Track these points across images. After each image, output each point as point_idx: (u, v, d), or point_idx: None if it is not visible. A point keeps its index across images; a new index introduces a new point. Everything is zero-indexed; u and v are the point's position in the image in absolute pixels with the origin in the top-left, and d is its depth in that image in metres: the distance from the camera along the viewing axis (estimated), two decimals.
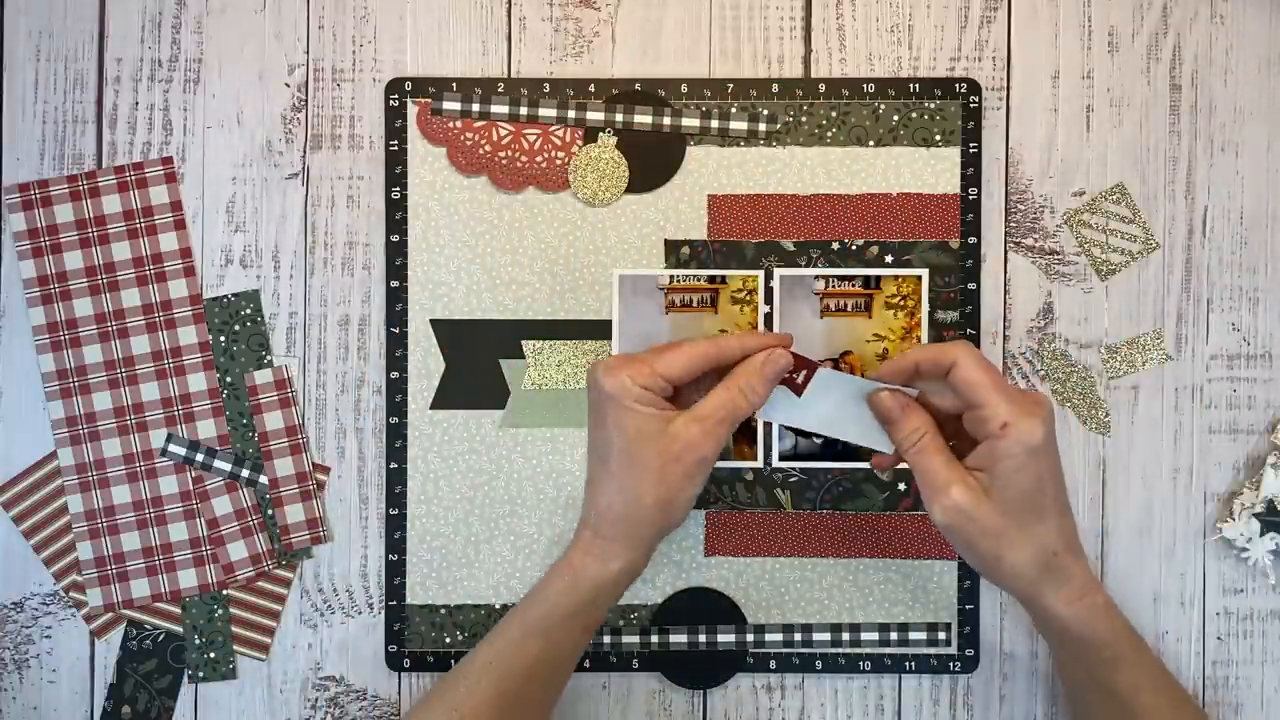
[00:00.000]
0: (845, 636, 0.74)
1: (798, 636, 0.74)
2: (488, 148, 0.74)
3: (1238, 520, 0.73)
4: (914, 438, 0.62)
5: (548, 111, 0.74)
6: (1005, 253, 0.74)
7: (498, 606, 0.74)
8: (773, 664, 0.74)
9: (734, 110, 0.74)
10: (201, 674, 0.74)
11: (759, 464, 0.74)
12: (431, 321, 0.74)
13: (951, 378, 0.61)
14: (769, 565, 0.74)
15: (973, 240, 0.74)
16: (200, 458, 0.73)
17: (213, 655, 0.74)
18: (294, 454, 0.74)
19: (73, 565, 0.74)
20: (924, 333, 0.74)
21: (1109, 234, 0.74)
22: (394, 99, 0.74)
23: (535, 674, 0.64)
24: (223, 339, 0.74)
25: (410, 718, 0.66)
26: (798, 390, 0.64)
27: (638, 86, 0.74)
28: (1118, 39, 0.74)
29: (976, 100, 0.74)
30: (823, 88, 0.74)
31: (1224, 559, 0.74)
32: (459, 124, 0.74)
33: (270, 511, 0.74)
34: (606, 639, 0.74)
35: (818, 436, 0.73)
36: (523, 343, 0.74)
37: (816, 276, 0.74)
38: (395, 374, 0.74)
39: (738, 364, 0.64)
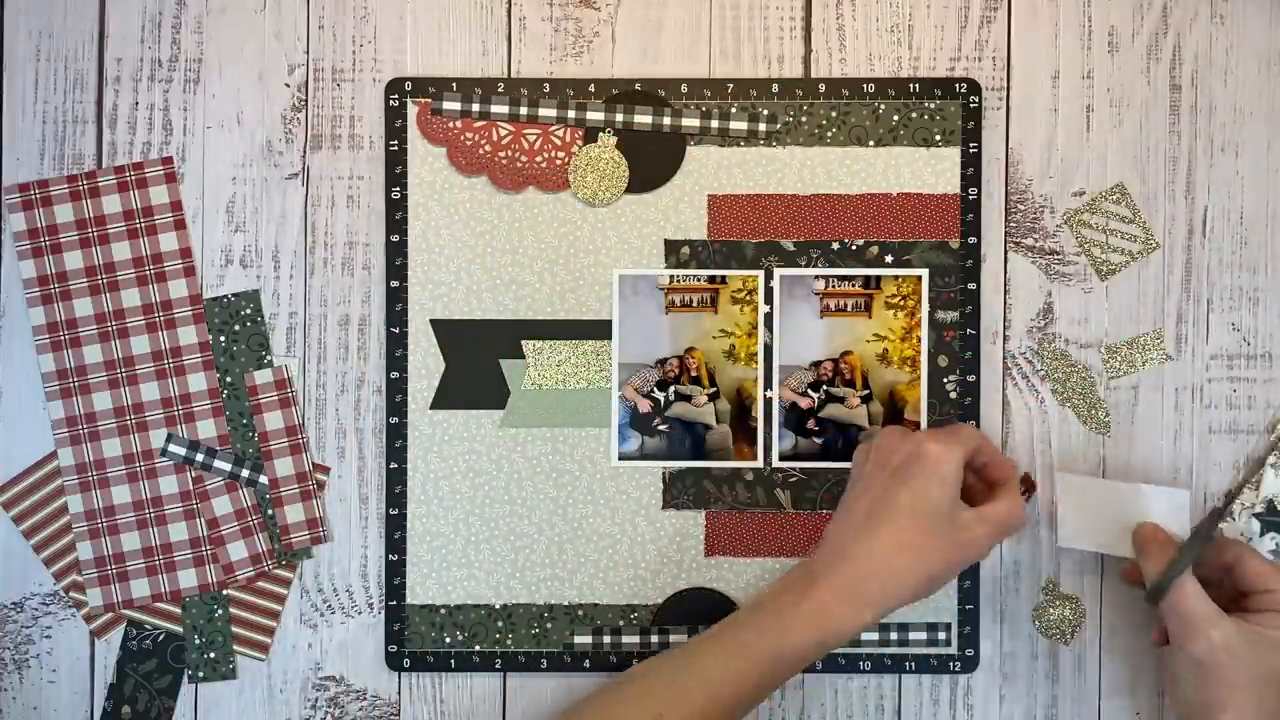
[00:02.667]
0: None
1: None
2: (488, 148, 0.74)
3: (1238, 520, 0.73)
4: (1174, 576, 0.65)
5: (548, 111, 0.74)
6: (1005, 253, 0.74)
7: (498, 606, 0.74)
8: None
9: (734, 110, 0.74)
10: (201, 674, 0.74)
11: (759, 464, 0.74)
12: (431, 321, 0.74)
13: (1237, 573, 0.66)
14: (769, 565, 0.74)
15: (973, 240, 0.74)
16: (200, 458, 0.73)
17: (213, 655, 0.74)
18: (294, 454, 0.74)
19: (73, 565, 0.74)
20: (924, 332, 0.74)
21: (1109, 234, 0.74)
22: (394, 99, 0.74)
23: (747, 699, 0.64)
24: (223, 339, 0.74)
25: (599, 704, 0.65)
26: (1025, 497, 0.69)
27: (638, 86, 0.74)
28: (1118, 39, 0.74)
29: (976, 100, 0.74)
30: (823, 88, 0.74)
31: None
32: (459, 124, 0.74)
33: (270, 511, 0.74)
34: (607, 639, 0.74)
35: (817, 436, 0.74)
36: (523, 343, 0.74)
37: (816, 276, 0.74)
38: (395, 374, 0.74)
39: (983, 476, 0.68)
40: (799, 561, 0.68)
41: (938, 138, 0.74)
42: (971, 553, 0.64)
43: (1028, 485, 0.70)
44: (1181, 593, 0.64)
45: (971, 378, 0.74)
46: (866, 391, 0.74)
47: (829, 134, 0.74)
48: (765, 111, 0.74)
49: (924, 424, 0.74)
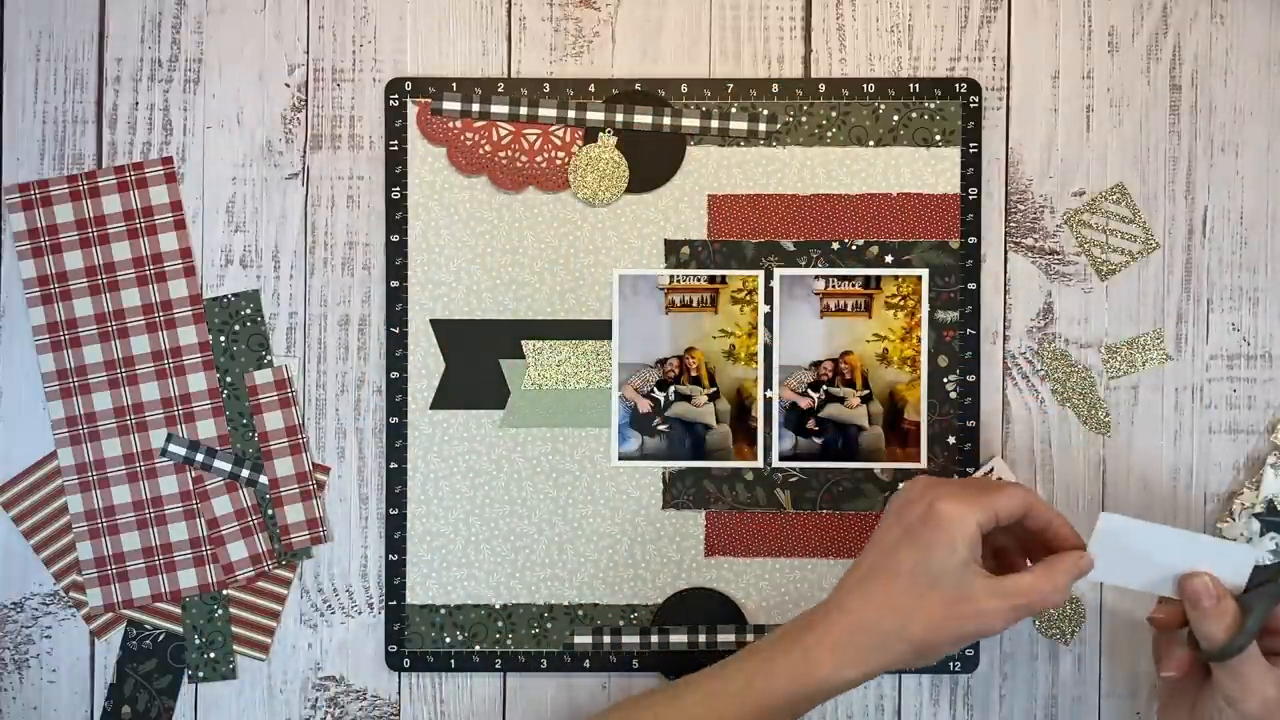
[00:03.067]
0: None
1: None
2: (488, 148, 0.74)
3: (1238, 520, 0.73)
4: (1232, 634, 0.60)
5: (548, 111, 0.74)
6: (1005, 253, 0.74)
7: (498, 606, 0.74)
8: None
9: (734, 110, 0.74)
10: (201, 674, 0.74)
11: (759, 464, 0.74)
12: (431, 321, 0.74)
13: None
14: (769, 565, 0.74)
15: (973, 240, 0.74)
16: (200, 458, 0.73)
17: (213, 655, 0.74)
18: (294, 454, 0.74)
19: (73, 565, 0.74)
20: (924, 332, 0.74)
21: (1109, 234, 0.74)
22: (394, 99, 0.74)
23: None
24: (223, 339, 0.74)
25: None
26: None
27: (638, 86, 0.74)
28: (1118, 39, 0.74)
29: (976, 100, 0.74)
30: (823, 88, 0.74)
31: None
32: (459, 124, 0.74)
33: (270, 511, 0.74)
34: (607, 639, 0.74)
35: (817, 436, 0.74)
36: (523, 343, 0.74)
37: (816, 276, 0.74)
38: (395, 374, 0.74)
39: (1039, 536, 0.62)
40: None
41: (938, 138, 0.74)
42: (978, 626, 0.59)
43: None
44: (1244, 654, 0.60)
45: (971, 378, 0.74)
46: (866, 391, 0.74)
47: (829, 134, 0.74)
48: (765, 111, 0.74)
49: (924, 424, 0.73)
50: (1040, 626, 0.74)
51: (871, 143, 0.74)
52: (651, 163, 0.74)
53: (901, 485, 0.65)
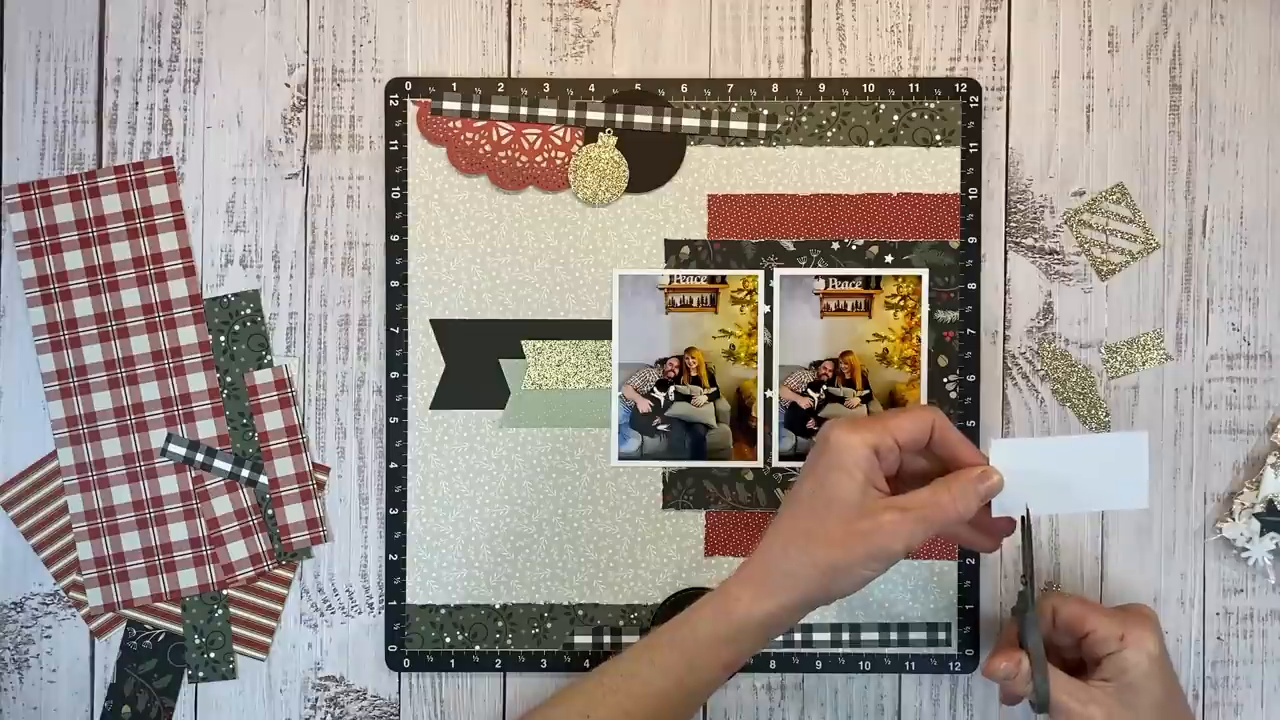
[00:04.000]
0: (845, 636, 0.74)
1: (798, 636, 0.74)
2: (488, 148, 0.74)
3: (1238, 520, 0.73)
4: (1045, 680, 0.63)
5: (548, 111, 0.74)
6: (1005, 253, 0.74)
7: (497, 606, 0.74)
8: (773, 664, 0.74)
9: (734, 110, 0.74)
10: (201, 674, 0.74)
11: (759, 464, 0.74)
12: (431, 321, 0.74)
13: (1058, 619, 0.65)
14: None
15: (973, 240, 0.74)
16: (200, 458, 0.73)
17: (213, 655, 0.74)
18: (294, 454, 0.74)
19: (73, 565, 0.74)
20: (924, 332, 0.74)
21: (1109, 234, 0.74)
22: (394, 99, 0.74)
23: (670, 697, 0.63)
24: (223, 339, 0.74)
25: (544, 707, 0.65)
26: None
27: (638, 86, 0.74)
28: (1118, 39, 0.74)
29: (976, 100, 0.74)
30: (823, 88, 0.74)
31: (1224, 559, 0.74)
32: (459, 124, 0.74)
33: (270, 511, 0.74)
34: (607, 639, 0.74)
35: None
36: (523, 343, 0.74)
37: (816, 276, 0.74)
38: (395, 374, 0.74)
39: (953, 464, 0.63)
40: None
41: (938, 137, 0.74)
42: (881, 542, 0.59)
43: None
44: (1054, 689, 0.63)
45: (971, 378, 0.74)
46: (866, 391, 0.74)
47: (829, 134, 0.74)
48: (765, 111, 0.74)
49: None
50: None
51: (871, 143, 0.74)
52: (651, 163, 0.74)
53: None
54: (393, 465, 0.74)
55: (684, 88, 0.74)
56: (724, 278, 0.74)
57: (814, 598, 0.62)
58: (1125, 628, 0.64)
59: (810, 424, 0.74)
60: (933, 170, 0.74)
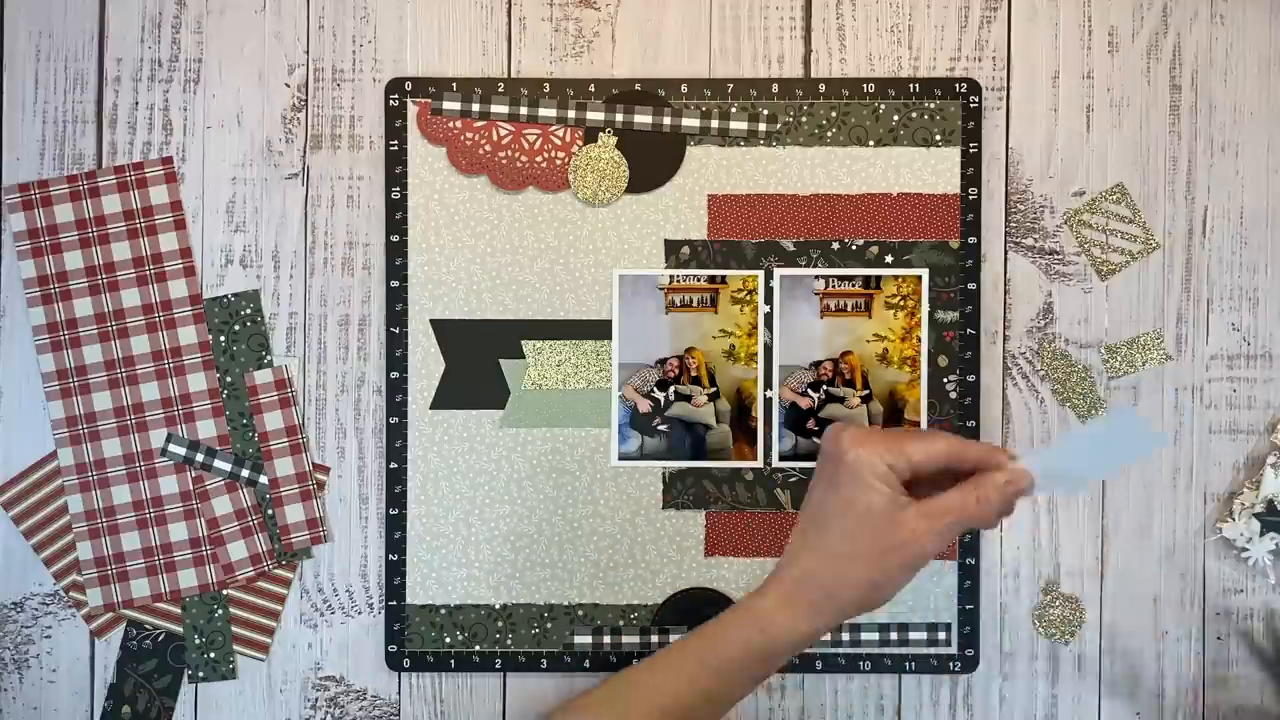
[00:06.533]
0: (845, 636, 0.74)
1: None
2: (488, 148, 0.74)
3: (1238, 520, 0.73)
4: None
5: (548, 111, 0.74)
6: (1005, 253, 0.74)
7: (497, 606, 0.74)
8: None
9: (734, 110, 0.74)
10: (201, 674, 0.74)
11: (759, 464, 0.74)
12: (431, 321, 0.74)
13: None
14: (769, 565, 0.74)
15: (973, 240, 0.74)
16: (200, 458, 0.73)
17: (213, 655, 0.74)
18: (294, 454, 0.74)
19: (73, 565, 0.74)
20: (924, 332, 0.74)
21: (1109, 234, 0.74)
22: (394, 99, 0.74)
23: (699, 709, 0.63)
24: (223, 339, 0.74)
25: (574, 707, 0.64)
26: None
27: (638, 86, 0.74)
28: (1118, 39, 0.74)
29: (976, 100, 0.74)
30: (823, 88, 0.74)
31: (1224, 559, 0.74)
32: (459, 124, 0.74)
33: (270, 511, 0.74)
34: (607, 639, 0.74)
35: (817, 436, 0.74)
36: (523, 343, 0.74)
37: (816, 276, 0.74)
38: (395, 374, 0.74)
39: (974, 472, 0.61)
40: None
41: (938, 138, 0.74)
42: (915, 551, 0.59)
43: None
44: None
45: (971, 378, 0.74)
46: (866, 391, 0.74)
47: (829, 134, 0.74)
48: (765, 111, 0.74)
49: (924, 424, 0.74)
50: (1040, 627, 0.74)
51: (871, 143, 0.74)
52: (651, 163, 0.74)
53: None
54: (393, 465, 0.74)
55: (684, 88, 0.74)
56: (724, 278, 0.74)
57: (852, 614, 0.62)
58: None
59: (810, 424, 0.74)
60: (933, 170, 0.74)
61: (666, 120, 0.74)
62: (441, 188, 0.74)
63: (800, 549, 0.62)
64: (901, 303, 0.74)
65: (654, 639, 0.74)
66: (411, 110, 0.74)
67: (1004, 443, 0.74)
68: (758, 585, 0.64)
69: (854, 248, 0.74)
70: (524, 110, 0.74)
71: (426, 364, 0.74)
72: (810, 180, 0.74)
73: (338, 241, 0.75)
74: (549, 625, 0.74)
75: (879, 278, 0.74)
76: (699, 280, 0.74)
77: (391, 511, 0.74)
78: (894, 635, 0.74)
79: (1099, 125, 0.74)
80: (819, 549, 0.61)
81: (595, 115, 0.74)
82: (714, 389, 0.74)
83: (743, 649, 0.62)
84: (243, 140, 0.75)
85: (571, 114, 0.74)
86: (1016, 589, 0.74)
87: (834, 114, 0.74)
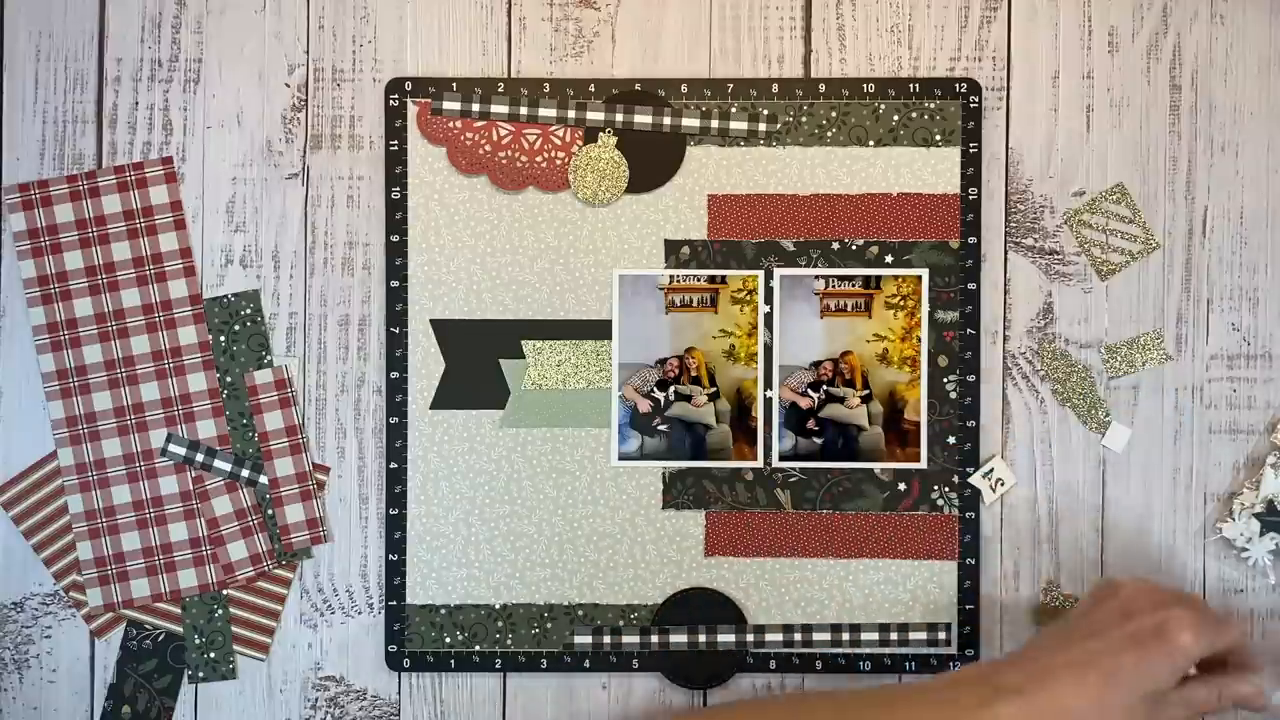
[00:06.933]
0: (845, 636, 0.74)
1: (798, 636, 0.74)
2: (488, 148, 0.74)
3: (1238, 520, 0.73)
4: None
5: (548, 111, 0.74)
6: (1005, 253, 0.74)
7: (498, 606, 0.74)
8: (773, 664, 0.74)
9: (734, 110, 0.74)
10: (201, 674, 0.74)
11: (759, 464, 0.74)
12: (431, 321, 0.74)
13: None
14: (769, 565, 0.74)
15: (973, 240, 0.74)
16: (200, 458, 0.73)
17: (213, 655, 0.74)
18: (294, 454, 0.74)
19: (73, 565, 0.74)
20: (924, 332, 0.74)
21: (1109, 234, 0.74)
22: (394, 99, 0.74)
23: None
24: (223, 339, 0.74)
25: None
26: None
27: (638, 86, 0.74)
28: (1118, 39, 0.74)
29: (976, 100, 0.74)
30: (823, 88, 0.74)
31: (1224, 559, 0.74)
32: (459, 124, 0.74)
33: (270, 511, 0.74)
34: (607, 639, 0.74)
35: (817, 436, 0.74)
36: (523, 342, 0.74)
37: (816, 276, 0.74)
38: (395, 374, 0.74)
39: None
40: (984, 663, 0.66)
41: (938, 138, 0.74)
42: None
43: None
44: None
45: (971, 378, 0.74)
46: (866, 391, 0.74)
47: (829, 134, 0.74)
48: (765, 111, 0.74)
49: (924, 424, 0.73)
50: (1040, 627, 0.74)
51: (871, 143, 0.74)
52: (651, 163, 0.74)
53: (1121, 581, 0.64)
54: (393, 465, 0.74)
55: (684, 88, 0.74)
56: (724, 278, 0.74)
57: None
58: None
59: (810, 424, 0.74)
60: (933, 170, 0.74)
61: (666, 120, 0.74)
62: (441, 188, 0.74)
63: (1067, 681, 0.60)
64: (901, 303, 0.74)
65: (654, 639, 0.74)
66: (411, 110, 0.74)
67: (1004, 442, 0.74)
68: (972, 676, 0.62)
69: (854, 248, 0.74)
70: (524, 110, 0.74)
71: (426, 364, 0.74)
72: (810, 180, 0.74)
73: (338, 241, 0.75)
74: (549, 625, 0.74)
75: (879, 278, 0.74)
76: (699, 280, 0.74)
77: (391, 511, 0.74)
78: (894, 635, 0.74)
79: (1099, 125, 0.74)
80: (1093, 694, 0.59)
81: (595, 115, 0.74)
82: (714, 389, 0.74)
83: None
84: (243, 140, 0.75)
85: (571, 114, 0.74)
86: (1016, 589, 0.74)
87: (834, 114, 0.74)
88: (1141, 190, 0.74)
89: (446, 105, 0.74)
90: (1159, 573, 0.74)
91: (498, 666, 0.74)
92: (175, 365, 0.74)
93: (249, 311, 0.74)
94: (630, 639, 0.74)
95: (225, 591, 0.74)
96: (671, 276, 0.74)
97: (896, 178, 0.74)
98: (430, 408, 0.74)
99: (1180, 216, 0.74)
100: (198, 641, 0.74)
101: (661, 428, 0.74)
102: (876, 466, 0.74)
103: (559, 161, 0.74)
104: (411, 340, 0.74)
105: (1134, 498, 0.74)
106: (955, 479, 0.74)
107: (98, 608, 0.74)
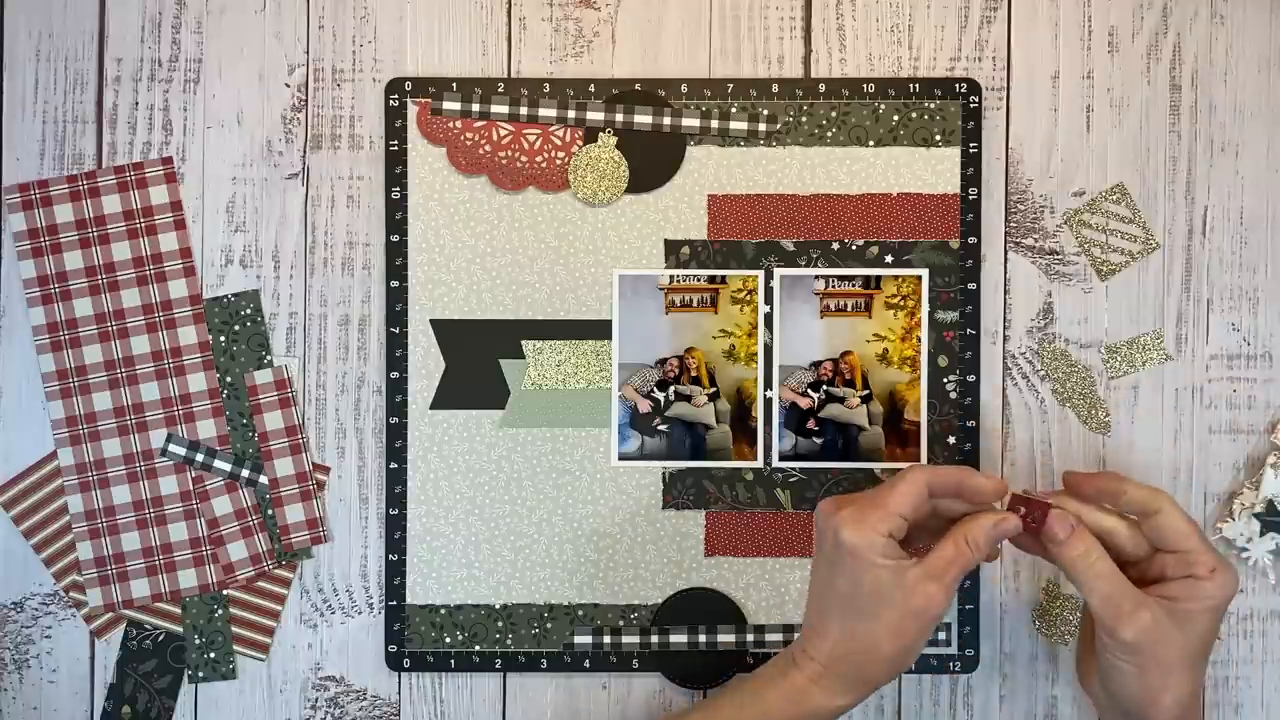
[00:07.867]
0: None
1: (797, 636, 0.73)
2: (488, 148, 0.74)
3: (1238, 520, 0.73)
4: (1090, 558, 0.62)
5: (548, 111, 0.74)
6: (1005, 253, 0.74)
7: (497, 606, 0.74)
8: None
9: (734, 110, 0.74)
10: (201, 674, 0.74)
11: (759, 464, 0.74)
12: (431, 321, 0.74)
13: (1155, 522, 0.63)
14: (769, 565, 0.74)
15: (973, 240, 0.74)
16: (200, 458, 0.73)
17: (213, 655, 0.74)
18: (294, 454, 0.74)
19: (73, 565, 0.74)
20: (924, 332, 0.74)
21: (1109, 234, 0.74)
22: (394, 99, 0.74)
23: None
24: (223, 339, 0.74)
25: None
26: (1034, 530, 0.63)
27: (638, 86, 0.74)
28: (1118, 39, 0.74)
29: (976, 100, 0.74)
30: (823, 88, 0.74)
31: None
32: (459, 124, 0.74)
33: (270, 511, 0.74)
34: (607, 639, 0.74)
35: (817, 436, 0.74)
36: (523, 342, 0.74)
37: (816, 276, 0.74)
38: (395, 374, 0.74)
39: (963, 516, 0.64)
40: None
41: (938, 138, 0.74)
42: (932, 614, 0.62)
43: (1030, 508, 0.63)
44: (1102, 577, 0.61)
45: (971, 378, 0.74)
46: (866, 391, 0.74)
47: (829, 134, 0.74)
48: (765, 111, 0.74)
49: (924, 424, 0.73)
50: (1040, 627, 0.74)
51: (871, 143, 0.74)
52: (651, 163, 0.74)
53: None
54: (393, 465, 0.74)
55: (684, 88, 0.74)
56: (724, 278, 0.74)
57: (885, 682, 0.64)
58: (1219, 565, 0.62)
59: (810, 424, 0.74)
60: (933, 170, 0.74)
61: (666, 120, 0.74)
62: (441, 188, 0.74)
63: (821, 628, 0.64)
64: (901, 303, 0.74)
65: (654, 639, 0.74)
66: (411, 110, 0.74)
67: (1004, 443, 0.74)
68: (784, 655, 0.66)
69: (854, 248, 0.74)
70: (524, 110, 0.74)
71: (426, 364, 0.74)
72: (810, 180, 0.74)
73: (338, 241, 0.75)
74: (549, 625, 0.74)
75: (879, 278, 0.74)
76: (699, 280, 0.74)
77: (391, 511, 0.74)
78: None
79: (1099, 125, 0.74)
80: (837, 627, 0.63)
81: (595, 115, 0.74)
82: (714, 389, 0.74)
83: (779, 716, 0.64)
84: (243, 140, 0.75)
85: (571, 114, 0.74)
86: (1016, 589, 0.74)
87: (834, 114, 0.74)
88: (1141, 190, 0.74)
89: (446, 105, 0.74)
90: None
91: (498, 666, 0.74)
92: (175, 365, 0.74)
93: (249, 311, 0.74)
94: (630, 639, 0.74)
95: (225, 591, 0.74)
96: (671, 276, 0.74)
97: (896, 178, 0.74)
98: (430, 408, 0.74)
99: (1180, 216, 0.74)
100: (198, 641, 0.74)
101: (661, 428, 0.74)
102: (877, 466, 0.74)
103: (559, 161, 0.74)
104: (411, 340, 0.74)
105: None
106: None
107: (98, 608, 0.74)
